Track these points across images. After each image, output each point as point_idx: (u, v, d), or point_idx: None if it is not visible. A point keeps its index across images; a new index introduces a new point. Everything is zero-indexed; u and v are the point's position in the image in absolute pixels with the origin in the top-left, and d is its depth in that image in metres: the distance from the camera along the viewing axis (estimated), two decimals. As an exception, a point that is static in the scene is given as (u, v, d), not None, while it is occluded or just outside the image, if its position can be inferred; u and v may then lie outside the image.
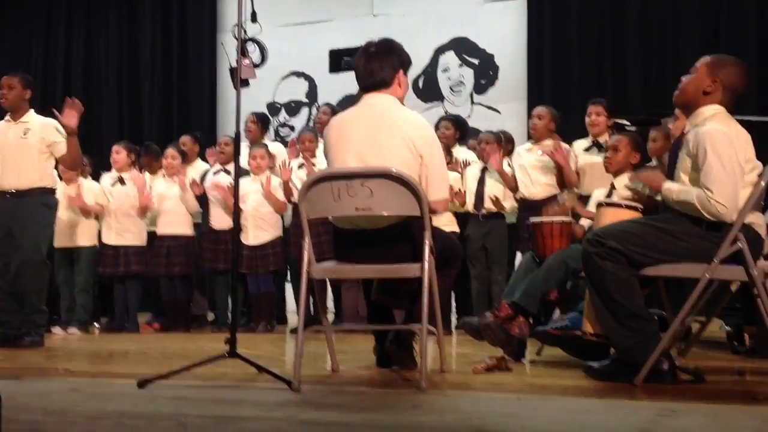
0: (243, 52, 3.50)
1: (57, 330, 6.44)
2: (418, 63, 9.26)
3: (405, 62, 3.59)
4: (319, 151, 6.16)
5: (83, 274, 6.62)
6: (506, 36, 9.00)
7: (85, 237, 6.70)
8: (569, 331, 3.68)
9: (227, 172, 6.52)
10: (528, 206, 5.81)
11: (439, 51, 9.36)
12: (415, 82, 9.20)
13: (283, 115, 9.99)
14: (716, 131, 3.09)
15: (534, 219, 4.26)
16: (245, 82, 3.49)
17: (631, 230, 3.18)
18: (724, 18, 7.97)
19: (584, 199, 5.49)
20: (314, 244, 3.40)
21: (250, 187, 6.36)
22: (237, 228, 3.71)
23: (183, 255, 6.58)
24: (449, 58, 9.34)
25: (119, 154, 6.80)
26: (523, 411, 2.56)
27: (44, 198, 5.19)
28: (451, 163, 6.16)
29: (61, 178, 6.47)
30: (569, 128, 6.49)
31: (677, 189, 3.17)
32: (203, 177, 6.78)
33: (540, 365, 3.85)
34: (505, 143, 6.49)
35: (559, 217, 4.22)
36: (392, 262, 3.28)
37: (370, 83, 3.53)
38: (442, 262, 3.42)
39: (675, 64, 7.63)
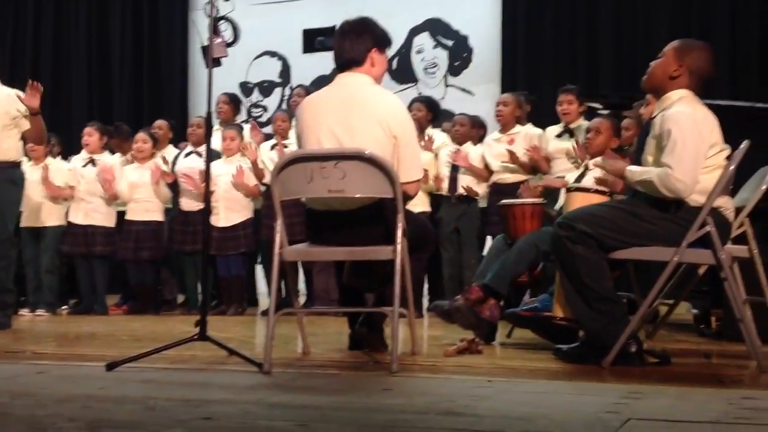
0: (215, 30, 3.45)
1: (24, 312, 6.37)
2: (393, 44, 9.16)
3: (380, 40, 3.54)
4: (292, 132, 6.12)
5: (48, 253, 6.55)
6: (480, 18, 8.98)
7: (52, 216, 6.62)
8: (539, 313, 3.71)
9: (198, 154, 6.46)
10: (499, 190, 5.83)
11: (414, 32, 9.32)
12: (389, 63, 9.12)
13: (255, 95, 9.91)
14: (681, 113, 3.12)
15: (505, 201, 4.27)
16: (217, 62, 3.45)
17: (601, 214, 3.20)
18: (696, 1, 8.02)
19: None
20: (285, 226, 3.38)
21: (221, 168, 6.31)
22: (208, 210, 3.68)
23: (152, 240, 6.51)
24: (424, 40, 9.31)
25: (91, 136, 6.69)
26: (494, 393, 2.57)
27: (8, 173, 5.06)
28: (425, 141, 6.16)
29: (29, 158, 6.38)
30: (541, 110, 6.51)
31: (639, 170, 3.21)
32: (174, 160, 6.70)
33: (510, 347, 3.87)
34: (477, 128, 6.49)
35: (530, 200, 4.23)
36: (365, 244, 3.27)
37: (343, 62, 3.49)
38: (415, 246, 3.41)
39: (646, 48, 7.66)
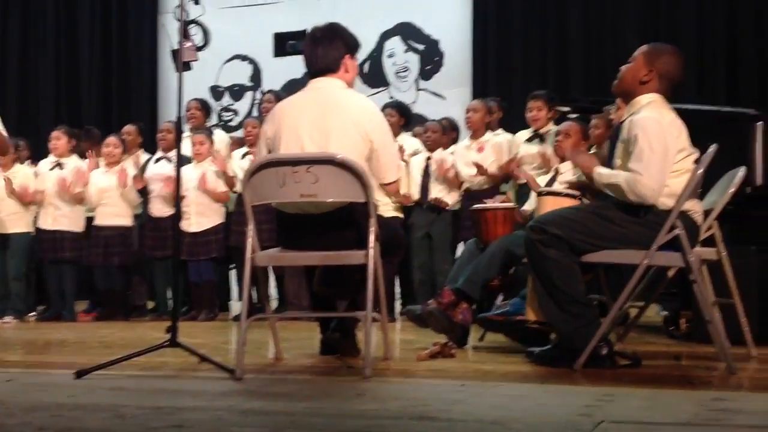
0: (185, 34, 3.43)
1: (-8, 319, 6.29)
2: (364, 48, 9.07)
3: (351, 46, 3.57)
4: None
5: (15, 260, 6.46)
6: (451, 22, 9.01)
7: (19, 223, 6.54)
8: (511, 317, 3.72)
9: (168, 159, 6.41)
10: (471, 196, 5.85)
11: (385, 36, 9.33)
12: (361, 67, 9.16)
13: (226, 99, 9.86)
14: (648, 118, 3.15)
15: (477, 206, 4.29)
16: (187, 65, 3.42)
17: (573, 217, 3.22)
18: (663, 6, 8.11)
19: (523, 188, 5.56)
20: (256, 232, 3.36)
21: (192, 173, 6.26)
22: (178, 215, 3.65)
23: (121, 246, 6.44)
24: (395, 44, 9.33)
25: (59, 140, 6.62)
26: (467, 397, 2.58)
27: None
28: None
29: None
30: (512, 114, 6.54)
31: (607, 173, 3.23)
32: (144, 166, 6.64)
33: (483, 351, 3.88)
34: (449, 131, 6.51)
35: (501, 204, 4.25)
36: (337, 249, 3.26)
37: (316, 69, 3.51)
38: (386, 250, 3.42)
39: (615, 52, 7.73)
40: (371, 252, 3.12)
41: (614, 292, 3.64)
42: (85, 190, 6.44)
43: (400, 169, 3.59)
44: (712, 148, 3.17)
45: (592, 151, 4.90)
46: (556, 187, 4.50)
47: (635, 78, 3.30)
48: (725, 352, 3.15)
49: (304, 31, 9.14)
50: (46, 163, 6.69)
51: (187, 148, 6.24)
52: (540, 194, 3.83)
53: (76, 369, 3.04)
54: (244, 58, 9.80)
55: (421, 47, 9.22)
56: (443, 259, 6.08)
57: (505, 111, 6.34)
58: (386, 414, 2.28)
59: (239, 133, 7.17)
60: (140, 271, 6.75)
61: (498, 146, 5.96)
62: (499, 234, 4.01)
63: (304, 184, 3.15)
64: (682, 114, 3.27)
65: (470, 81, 8.76)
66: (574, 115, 5.46)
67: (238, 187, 5.93)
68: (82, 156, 6.76)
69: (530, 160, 5.76)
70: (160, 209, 6.42)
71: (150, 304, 6.85)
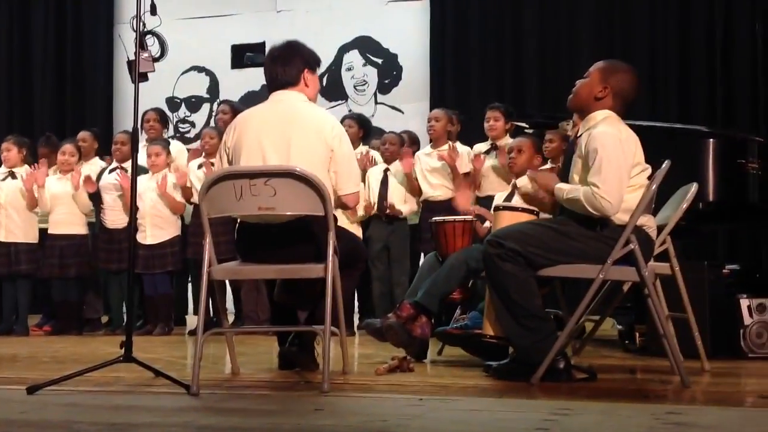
0: (142, 45, 3.40)
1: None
2: (323, 61, 9.17)
3: (310, 61, 3.63)
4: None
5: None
6: (409, 36, 9.07)
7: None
8: (469, 331, 3.73)
9: (124, 170, 6.32)
10: (429, 207, 5.88)
11: (344, 49, 9.35)
12: (320, 79, 9.14)
13: (183, 111, 9.78)
14: (606, 133, 3.20)
15: (436, 218, 4.30)
16: (144, 76, 3.40)
17: (530, 232, 3.25)
18: (617, 23, 8.25)
19: (483, 201, 5.59)
20: (213, 244, 3.33)
21: (147, 184, 6.19)
22: (133, 226, 3.60)
23: (77, 255, 6.34)
24: (353, 57, 9.35)
25: (10, 151, 6.50)
26: (426, 411, 2.57)
27: None
28: (361, 155, 6.16)
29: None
30: (469, 129, 6.59)
31: (568, 188, 3.27)
32: (99, 175, 6.55)
33: (441, 365, 3.89)
34: (410, 144, 6.53)
35: (461, 216, 4.27)
36: (296, 261, 3.25)
37: (277, 84, 3.55)
38: (345, 263, 3.41)
39: (570, 68, 7.86)
40: (330, 265, 3.11)
41: (571, 306, 3.68)
42: (39, 193, 6.31)
43: (358, 183, 3.60)
44: (666, 164, 3.22)
45: (548, 166, 4.96)
46: (516, 202, 4.54)
47: (590, 94, 3.35)
48: (679, 366, 3.19)
49: (263, 43, 9.10)
50: (-4, 173, 6.55)
51: (142, 158, 6.17)
52: (497, 209, 3.86)
53: (27, 384, 2.97)
54: (201, 69, 9.74)
55: (379, 61, 9.26)
56: (401, 272, 6.08)
57: (462, 124, 6.38)
58: (344, 429, 2.27)
59: (196, 145, 7.10)
60: (94, 283, 6.63)
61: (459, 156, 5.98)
62: (458, 247, 4.03)
63: (262, 197, 3.14)
64: (635, 130, 3.33)
65: (428, 95, 8.81)
66: (530, 130, 5.53)
67: (195, 198, 5.87)
68: (34, 166, 6.63)
69: (487, 172, 5.80)
70: (113, 220, 6.33)
71: (104, 318, 6.73)
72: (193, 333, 5.72)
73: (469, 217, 4.27)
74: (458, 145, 6.14)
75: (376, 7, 9.23)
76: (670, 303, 3.71)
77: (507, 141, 5.76)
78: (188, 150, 6.95)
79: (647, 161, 3.30)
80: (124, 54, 8.84)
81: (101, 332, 6.39)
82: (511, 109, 6.15)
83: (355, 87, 9.33)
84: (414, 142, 6.69)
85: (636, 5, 8.17)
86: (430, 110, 7.98)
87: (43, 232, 6.49)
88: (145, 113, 6.63)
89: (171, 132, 8.97)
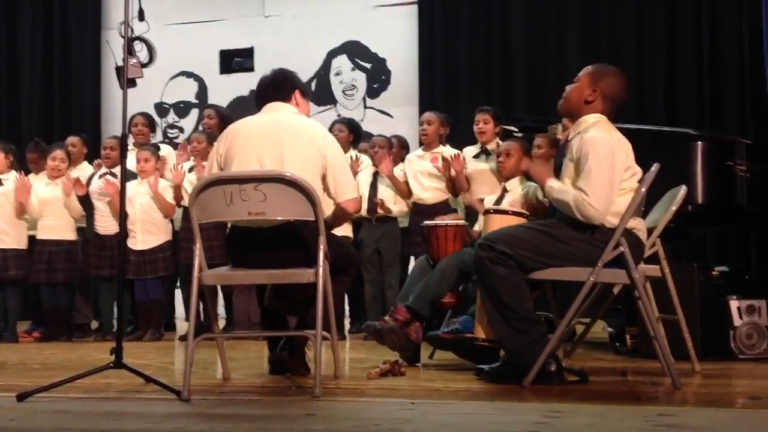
0: (130, 51, 3.39)
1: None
2: (311, 66, 9.23)
3: (302, 87, 3.73)
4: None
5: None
6: (398, 41, 9.08)
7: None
8: (461, 335, 3.73)
9: (113, 175, 6.30)
10: (420, 211, 5.88)
11: (332, 54, 9.36)
12: (308, 84, 9.16)
13: (171, 116, 9.76)
14: (598, 138, 3.20)
15: (428, 222, 4.29)
16: (132, 82, 3.39)
17: (521, 235, 3.25)
18: (604, 27, 8.29)
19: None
20: (204, 249, 3.33)
21: (137, 190, 6.17)
22: (124, 232, 3.59)
23: (66, 261, 6.30)
24: (342, 62, 9.35)
25: (-4, 158, 6.47)
26: (417, 415, 2.57)
27: None
28: (351, 161, 6.16)
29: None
30: (458, 133, 6.60)
31: (558, 187, 3.28)
32: (89, 181, 6.52)
33: (432, 369, 3.89)
34: (399, 148, 6.54)
35: (452, 221, 4.27)
36: (287, 267, 3.25)
37: (268, 102, 3.63)
38: (337, 269, 3.41)
39: (559, 71, 7.88)
40: (321, 270, 3.11)
41: (561, 309, 3.69)
42: (27, 200, 6.28)
43: (356, 189, 3.62)
44: (655, 168, 3.24)
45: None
46: (505, 205, 4.54)
47: (580, 98, 3.36)
48: (670, 367, 3.20)
49: (251, 48, 9.07)
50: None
51: (130, 163, 6.14)
52: (487, 212, 3.87)
53: (17, 392, 2.96)
54: (189, 75, 9.73)
55: (368, 65, 9.27)
56: (392, 275, 6.09)
57: (451, 128, 6.39)
58: (337, 434, 2.26)
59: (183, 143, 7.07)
60: (84, 289, 6.60)
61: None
62: (450, 251, 4.03)
63: (252, 202, 3.14)
64: (624, 133, 3.34)
65: (417, 99, 8.82)
66: (519, 134, 5.54)
67: (186, 202, 5.85)
68: (27, 170, 6.61)
69: (478, 176, 5.81)
70: (104, 227, 6.30)
71: (94, 324, 6.70)
72: (183, 338, 5.70)
73: (461, 222, 4.27)
74: (447, 147, 6.14)
75: (364, 11, 9.24)
76: (660, 305, 3.73)
77: (496, 144, 5.77)
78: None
79: (636, 164, 3.31)
80: (112, 60, 8.85)
81: (91, 338, 6.36)
82: (501, 112, 6.16)
83: (343, 92, 9.33)
84: (403, 147, 6.70)
85: (623, 9, 8.21)
86: (419, 114, 8.01)
87: (32, 238, 6.45)
88: (133, 117, 6.62)
89: (159, 137, 8.94)
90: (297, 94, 3.66)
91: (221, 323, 6.10)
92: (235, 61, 9.55)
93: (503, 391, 3.06)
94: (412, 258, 5.92)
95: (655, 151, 4.02)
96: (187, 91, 9.73)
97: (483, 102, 6.82)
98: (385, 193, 6.16)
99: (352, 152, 6.44)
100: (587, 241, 3.21)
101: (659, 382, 3.31)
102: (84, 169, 6.70)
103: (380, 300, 6.10)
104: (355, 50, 9.31)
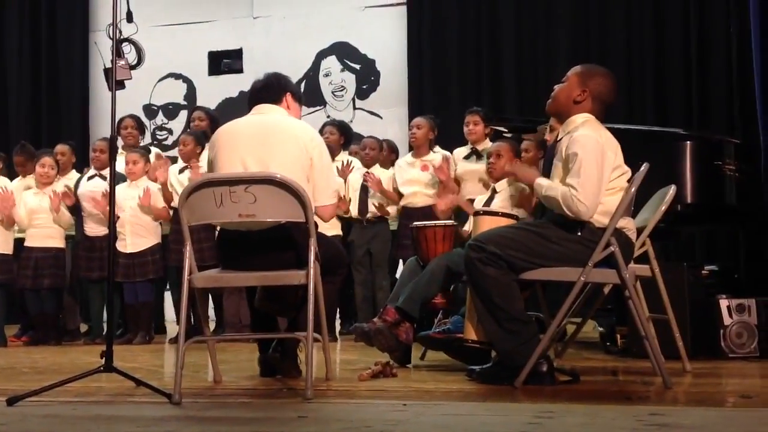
0: (118, 52, 3.38)
1: None
2: (300, 67, 9.23)
3: (294, 90, 3.73)
4: (203, 156, 5.97)
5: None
6: (387, 42, 9.09)
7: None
8: (452, 335, 3.73)
9: (102, 177, 6.27)
10: (409, 214, 5.88)
11: (321, 55, 9.36)
12: (297, 85, 9.15)
13: (160, 118, 9.73)
14: (588, 137, 3.21)
15: (417, 223, 4.29)
16: (120, 84, 3.37)
17: (511, 236, 3.25)
18: (593, 27, 8.30)
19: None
20: (195, 251, 3.32)
21: (126, 192, 6.14)
22: (113, 235, 3.58)
23: (52, 267, 6.25)
24: (331, 63, 9.35)
25: (-17, 164, 6.44)
26: (409, 417, 2.57)
27: None
28: (342, 166, 6.15)
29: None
30: (448, 134, 6.61)
31: (547, 185, 3.28)
32: (77, 184, 6.49)
33: (424, 370, 3.89)
34: (389, 152, 6.54)
35: (441, 221, 4.28)
36: (277, 268, 3.24)
37: (258, 102, 3.62)
38: (327, 269, 3.41)
39: (548, 72, 7.90)
40: (311, 272, 3.10)
41: (552, 309, 3.69)
42: (13, 211, 6.24)
43: (334, 196, 3.60)
44: (644, 167, 3.24)
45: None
46: (495, 206, 4.55)
47: (569, 98, 3.36)
48: (660, 367, 3.21)
49: (240, 50, 9.05)
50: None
51: (119, 165, 6.11)
52: (477, 214, 3.87)
53: (7, 396, 2.94)
54: (178, 76, 9.71)
55: (357, 66, 9.27)
56: (383, 276, 6.10)
57: (440, 129, 6.40)
58: (329, 436, 2.26)
59: (174, 152, 7.06)
60: (73, 293, 6.57)
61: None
62: (440, 251, 4.03)
63: (242, 204, 3.13)
64: (614, 133, 3.35)
65: (406, 100, 8.83)
66: (508, 134, 5.55)
67: (176, 202, 5.82)
68: (13, 174, 6.57)
69: (468, 176, 5.82)
70: (94, 229, 6.28)
71: (83, 327, 6.67)
72: (174, 341, 5.69)
73: (450, 222, 4.28)
74: (437, 150, 6.15)
75: (354, 12, 9.24)
76: (650, 304, 3.74)
77: (486, 145, 5.78)
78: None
79: (625, 164, 3.31)
80: (100, 61, 8.81)
81: (81, 342, 6.33)
82: (490, 113, 6.17)
83: (333, 93, 9.33)
84: (393, 151, 6.72)
85: (611, 8, 8.23)
86: (409, 115, 8.03)
87: (20, 241, 6.41)
88: (122, 119, 6.59)
89: (148, 139, 8.92)
90: (288, 96, 3.66)
91: (211, 325, 6.09)
92: (223, 62, 9.54)
93: (495, 391, 3.06)
94: (400, 261, 5.92)
95: (644, 150, 4.03)
96: (175, 92, 9.71)
97: (472, 103, 6.84)
98: (375, 194, 6.16)
99: (343, 156, 6.44)
100: (577, 241, 3.21)
101: (650, 381, 3.31)
102: (72, 179, 6.65)
103: (371, 301, 6.10)
104: (344, 51, 9.31)
